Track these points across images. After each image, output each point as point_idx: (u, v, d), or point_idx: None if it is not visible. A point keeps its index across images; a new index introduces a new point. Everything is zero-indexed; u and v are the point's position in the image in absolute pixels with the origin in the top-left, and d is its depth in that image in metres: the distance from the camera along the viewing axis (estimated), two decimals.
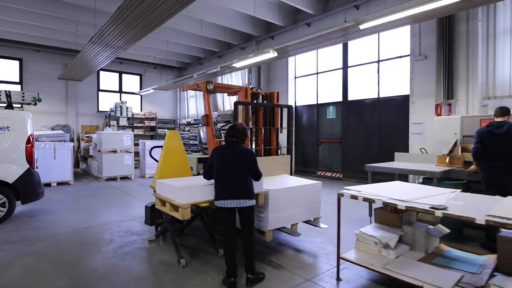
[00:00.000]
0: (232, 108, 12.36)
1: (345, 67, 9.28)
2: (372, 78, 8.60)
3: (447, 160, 4.56)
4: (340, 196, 2.89)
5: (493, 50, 5.88)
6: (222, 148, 2.92)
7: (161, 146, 4.45)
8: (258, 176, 2.92)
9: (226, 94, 12.03)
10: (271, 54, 6.95)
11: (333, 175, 9.48)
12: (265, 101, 4.43)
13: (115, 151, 9.35)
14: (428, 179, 4.41)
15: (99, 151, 9.37)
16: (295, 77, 10.71)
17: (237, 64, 8.17)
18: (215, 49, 12.17)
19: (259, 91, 4.29)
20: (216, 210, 3.80)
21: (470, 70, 6.27)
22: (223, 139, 4.72)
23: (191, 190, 2.81)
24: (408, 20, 6.14)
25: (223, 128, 5.35)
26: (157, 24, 6.52)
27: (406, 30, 7.59)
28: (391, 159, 8.08)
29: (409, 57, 7.51)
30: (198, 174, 4.67)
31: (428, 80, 7.05)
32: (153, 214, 3.96)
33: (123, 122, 13.39)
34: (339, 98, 9.44)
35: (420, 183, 4.49)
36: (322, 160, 9.92)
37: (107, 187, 8.09)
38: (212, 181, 2.96)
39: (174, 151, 3.97)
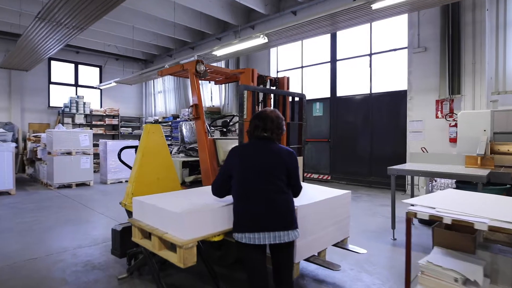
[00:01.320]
0: (207, 105, 11.22)
1: (333, 60, 8.61)
2: (364, 72, 8.00)
3: (478, 161, 3.93)
4: (411, 216, 2.03)
5: (503, 41, 5.45)
6: (247, 148, 1.93)
7: (134, 147, 3.34)
8: (298, 190, 1.98)
9: (208, 83, 10.94)
10: (261, 40, 6.02)
11: (320, 177, 8.76)
12: (273, 88, 3.48)
13: (69, 153, 7.86)
14: (463, 183, 3.74)
15: (49, 153, 7.82)
16: (277, 71, 9.88)
17: (218, 52, 7.15)
18: (187, 39, 10.98)
19: (266, 75, 3.34)
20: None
21: (477, 63, 5.81)
22: (213, 136, 3.69)
23: (199, 217, 1.79)
24: (407, 7, 5.59)
25: (212, 124, 4.32)
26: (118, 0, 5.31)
27: (401, 21, 7.06)
28: (386, 158, 7.54)
29: (406, 49, 6.97)
30: (183, 183, 3.62)
31: (428, 74, 6.54)
32: (124, 241, 2.85)
33: (80, 119, 11.71)
34: (326, 94, 8.75)
35: (455, 188, 3.80)
36: (308, 160, 9.15)
37: (59, 197, 6.65)
38: (228, 199, 1.98)
39: (155, 153, 2.89)
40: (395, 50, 7.37)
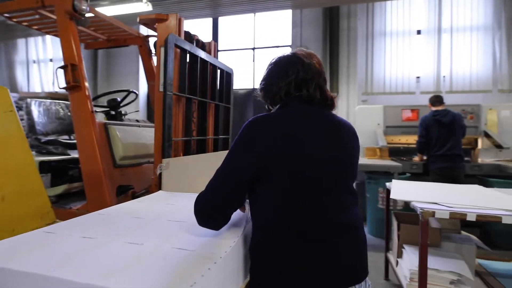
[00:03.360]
0: (46, 89, 8.63)
1: (214, 51, 7.99)
2: (247, 66, 7.77)
3: (378, 153, 4.17)
4: (428, 217, 1.61)
5: (371, 49, 6.23)
6: (289, 120, 0.98)
7: None
8: None
9: (49, 60, 8.08)
10: (143, 6, 4.74)
11: None
12: None
13: None
14: (373, 174, 3.84)
15: None
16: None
17: None
18: None
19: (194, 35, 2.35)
20: None
21: (350, 66, 6.44)
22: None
23: None
24: (289, 3, 5.87)
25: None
26: None
27: (286, 19, 7.19)
28: None
29: (289, 47, 7.13)
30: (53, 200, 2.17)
31: None
32: None
33: None
34: None
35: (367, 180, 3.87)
36: None
37: None
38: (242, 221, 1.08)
39: None
40: (278, 47, 7.46)
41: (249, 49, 7.71)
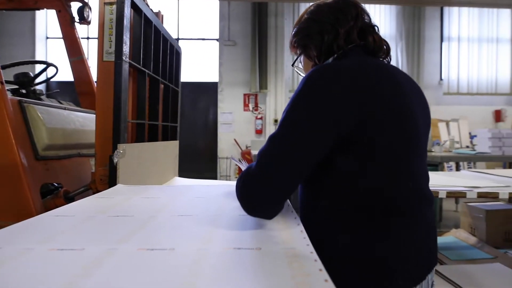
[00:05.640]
0: None
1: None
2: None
3: None
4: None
5: None
6: (376, 70, 0.76)
7: None
8: None
9: None
10: None
11: None
12: None
13: None
14: None
15: None
16: (47, 37, 7.12)
17: None
18: None
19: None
20: None
21: (278, 63, 6.58)
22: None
23: None
24: None
25: None
26: None
27: (213, 11, 6.94)
28: (196, 150, 7.15)
29: (217, 41, 6.90)
30: None
31: (237, 68, 6.77)
32: None
33: None
34: None
35: None
36: None
37: None
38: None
39: None
40: (204, 39, 7.14)
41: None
